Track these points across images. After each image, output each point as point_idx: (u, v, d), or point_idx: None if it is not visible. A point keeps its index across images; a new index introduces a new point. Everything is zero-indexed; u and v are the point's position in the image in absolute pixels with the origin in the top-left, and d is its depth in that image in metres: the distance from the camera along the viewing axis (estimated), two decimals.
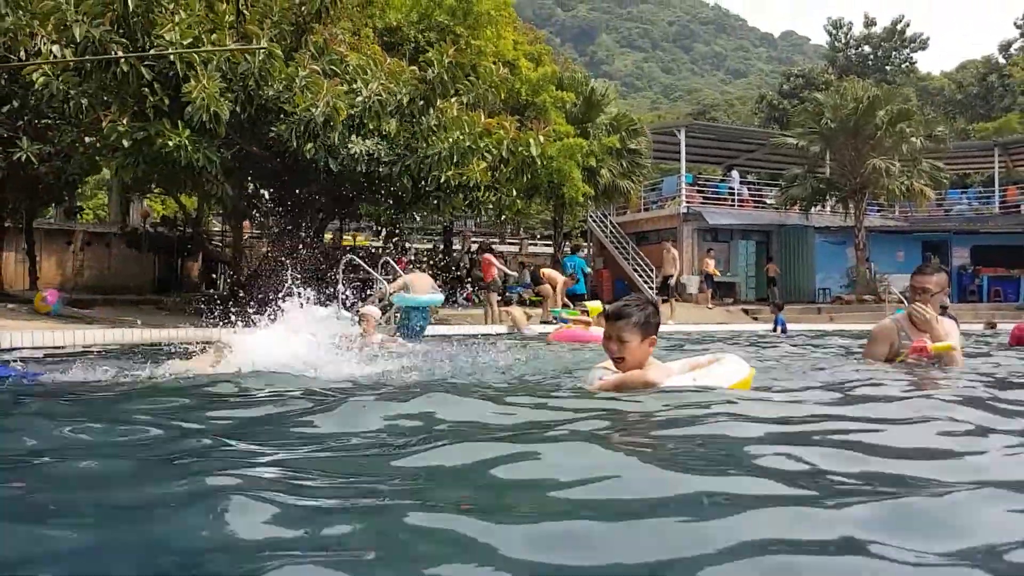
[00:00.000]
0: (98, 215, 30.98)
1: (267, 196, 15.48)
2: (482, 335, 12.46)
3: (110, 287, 19.88)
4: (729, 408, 2.88)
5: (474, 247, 24.85)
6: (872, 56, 60.28)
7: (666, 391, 3.35)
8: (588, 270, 19.53)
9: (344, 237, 28.39)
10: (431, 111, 13.63)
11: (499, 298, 16.28)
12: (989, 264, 27.30)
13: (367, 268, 11.28)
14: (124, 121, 11.10)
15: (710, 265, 22.61)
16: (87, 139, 12.87)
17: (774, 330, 14.70)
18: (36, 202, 17.75)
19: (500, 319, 14.96)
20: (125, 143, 11.10)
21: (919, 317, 4.87)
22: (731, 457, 2.08)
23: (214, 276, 24.34)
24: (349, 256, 11.59)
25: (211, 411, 3.10)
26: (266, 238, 16.57)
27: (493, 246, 18.91)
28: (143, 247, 20.40)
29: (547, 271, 15.71)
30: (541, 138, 15.13)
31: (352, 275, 12.56)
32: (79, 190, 23.15)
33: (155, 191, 20.73)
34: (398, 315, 10.70)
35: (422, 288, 10.83)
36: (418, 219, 27.22)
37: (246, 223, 21.05)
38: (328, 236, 24.61)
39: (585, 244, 30.81)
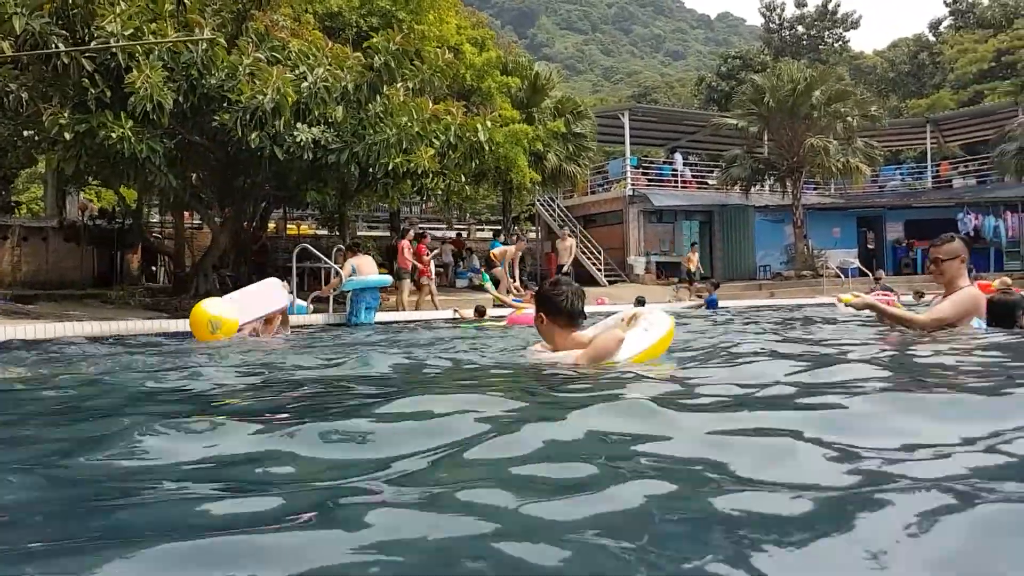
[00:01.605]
0: (31, 209, 30.09)
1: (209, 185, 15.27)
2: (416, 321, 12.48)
3: (48, 282, 19.39)
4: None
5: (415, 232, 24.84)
6: (806, 36, 61.44)
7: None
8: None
9: (288, 226, 28.14)
10: (378, 98, 13.58)
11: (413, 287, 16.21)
12: (923, 238, 28.21)
13: (321, 256, 11.27)
14: (65, 114, 10.87)
15: (693, 261, 22.71)
16: (25, 133, 12.57)
17: (704, 307, 15.19)
18: None
19: (405, 307, 15.01)
20: (67, 136, 10.89)
21: (858, 307, 5.12)
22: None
23: (154, 268, 23.91)
24: (302, 245, 11.57)
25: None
26: (210, 229, 16.35)
27: (425, 233, 18.84)
28: (82, 241, 19.92)
29: (495, 250, 15.74)
30: (488, 123, 15.21)
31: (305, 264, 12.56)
32: (12, 184, 22.49)
33: (92, 183, 20.22)
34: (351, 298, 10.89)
35: (369, 270, 11.22)
36: (364, 206, 27.11)
37: (187, 214, 20.74)
38: (271, 225, 24.37)
39: (533, 228, 31.03)
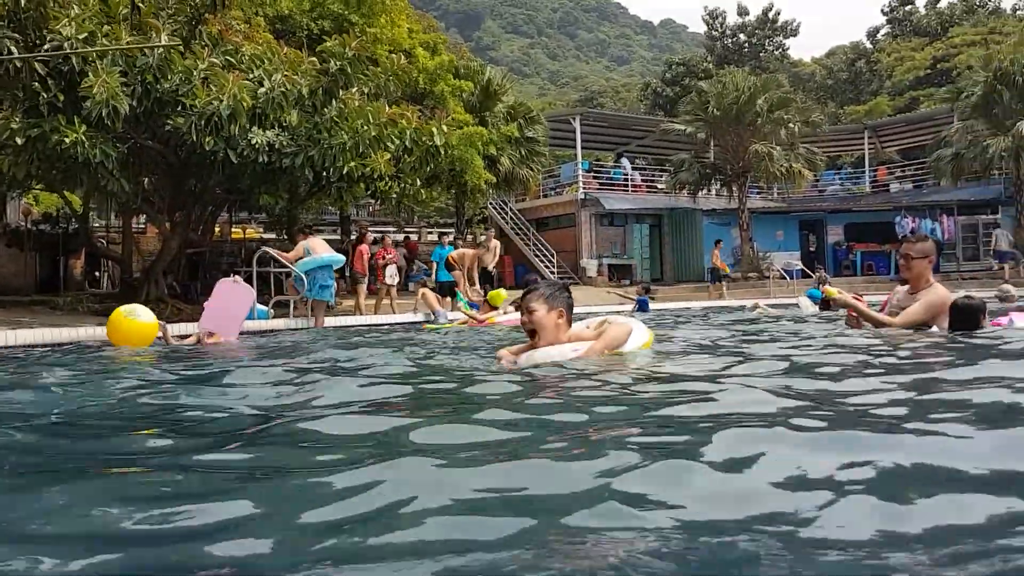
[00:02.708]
0: None
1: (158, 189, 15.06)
2: (390, 324, 12.56)
3: None
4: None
5: (371, 236, 24.80)
6: (747, 44, 62.81)
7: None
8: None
9: (233, 229, 27.74)
10: (333, 102, 13.56)
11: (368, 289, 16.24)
12: (862, 240, 29.17)
13: (282, 259, 11.25)
14: (17, 118, 10.65)
15: (718, 258, 22.33)
16: None
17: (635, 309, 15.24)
18: None
19: (363, 311, 15.06)
20: (18, 140, 10.67)
21: (840, 303, 5.43)
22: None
23: (97, 274, 23.41)
24: (263, 249, 11.53)
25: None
26: (160, 233, 16.12)
27: (385, 236, 18.83)
28: (25, 246, 19.41)
29: (453, 254, 15.78)
30: (444, 127, 15.30)
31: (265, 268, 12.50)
32: None
33: (36, 187, 19.72)
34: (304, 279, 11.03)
35: (322, 250, 11.59)
36: (314, 209, 26.89)
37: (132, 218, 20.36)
38: (216, 229, 24.03)
39: (486, 231, 31.12)
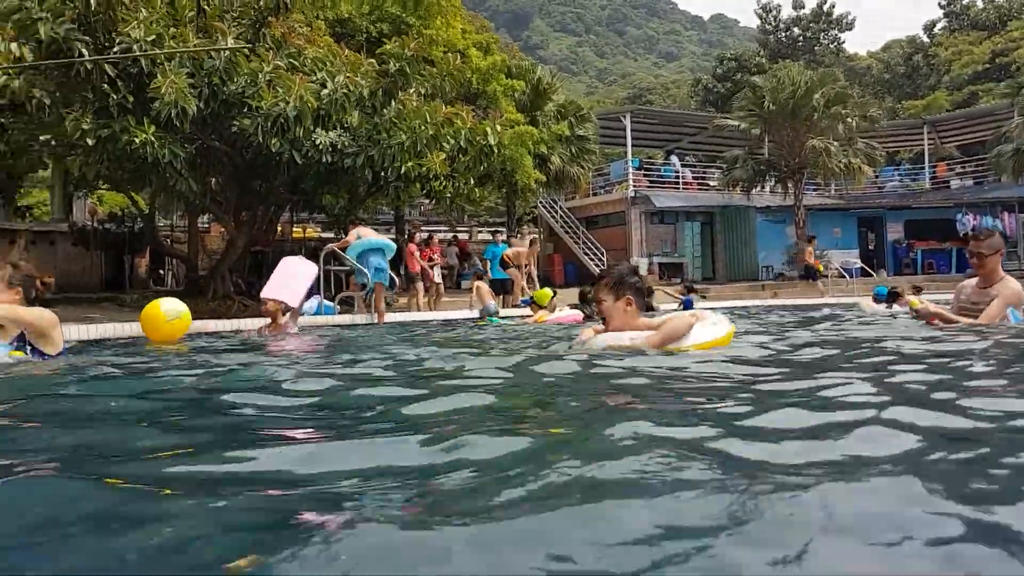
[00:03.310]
0: (32, 213, 30.11)
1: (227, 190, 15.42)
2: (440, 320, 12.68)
3: (57, 286, 19.45)
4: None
5: (421, 236, 25.02)
6: (801, 38, 61.87)
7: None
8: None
9: (294, 228, 28.25)
10: (392, 103, 13.76)
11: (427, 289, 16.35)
12: (922, 238, 28.57)
13: (346, 257, 11.45)
14: (88, 119, 11.01)
15: (812, 255, 21.44)
16: (42, 137, 12.69)
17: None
18: None
19: (419, 308, 15.18)
20: (89, 141, 11.01)
21: (924, 314, 5.34)
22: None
23: (161, 272, 24.02)
24: (328, 246, 11.75)
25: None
26: (226, 232, 16.51)
27: (432, 236, 18.99)
28: (92, 245, 20.02)
29: (507, 252, 15.85)
30: (497, 127, 15.40)
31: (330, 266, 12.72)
32: (20, 189, 22.59)
33: (102, 187, 20.34)
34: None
35: (372, 235, 11.75)
36: (369, 209, 27.22)
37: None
38: (278, 228, 24.49)
39: (537, 230, 31.20)
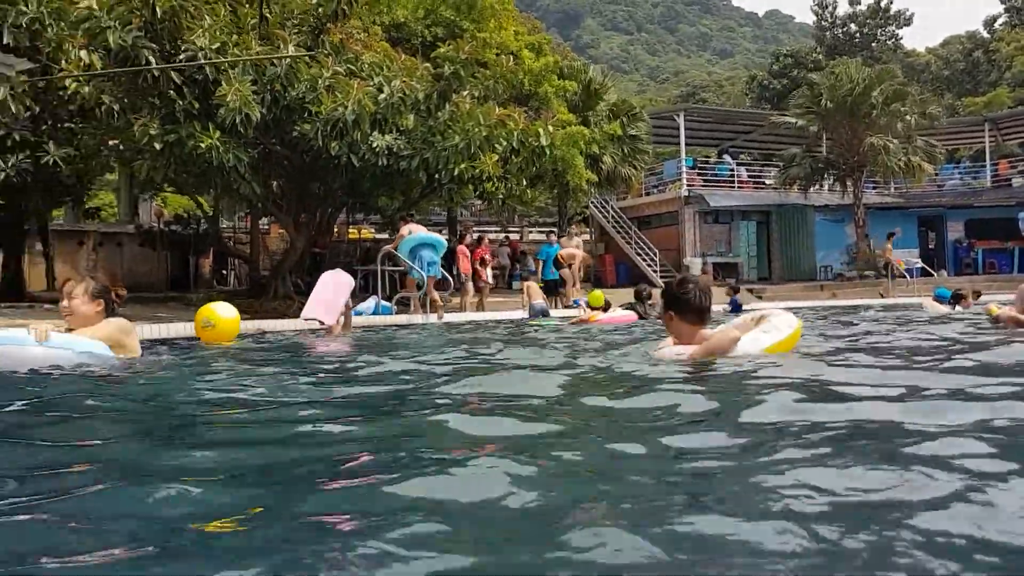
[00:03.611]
0: (100, 215, 31.11)
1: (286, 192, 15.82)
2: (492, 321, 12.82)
3: (125, 286, 20.10)
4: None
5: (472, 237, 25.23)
6: (859, 34, 60.69)
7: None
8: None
9: (349, 230, 28.76)
10: (446, 106, 13.96)
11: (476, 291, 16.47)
12: (983, 237, 27.86)
13: (400, 257, 11.68)
14: (155, 124, 11.43)
15: (891, 252, 21.21)
16: (111, 142, 13.19)
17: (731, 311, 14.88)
18: (53, 204, 17.98)
19: (468, 308, 15.31)
20: (156, 145, 11.43)
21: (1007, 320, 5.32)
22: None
23: (224, 272, 24.64)
24: (386, 248, 11.99)
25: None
26: (288, 234, 16.95)
27: (483, 236, 19.12)
28: (158, 246, 20.67)
29: (563, 251, 15.91)
30: (550, 127, 15.49)
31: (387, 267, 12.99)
32: (89, 191, 23.38)
33: (167, 190, 20.97)
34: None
35: (422, 230, 12.34)
36: (423, 210, 27.56)
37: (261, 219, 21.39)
38: (335, 229, 24.97)
39: (588, 230, 31.20)
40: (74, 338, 4.52)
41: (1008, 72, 48.36)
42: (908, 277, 22.66)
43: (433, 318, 11.62)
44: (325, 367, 4.96)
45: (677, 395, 2.82)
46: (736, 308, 14.92)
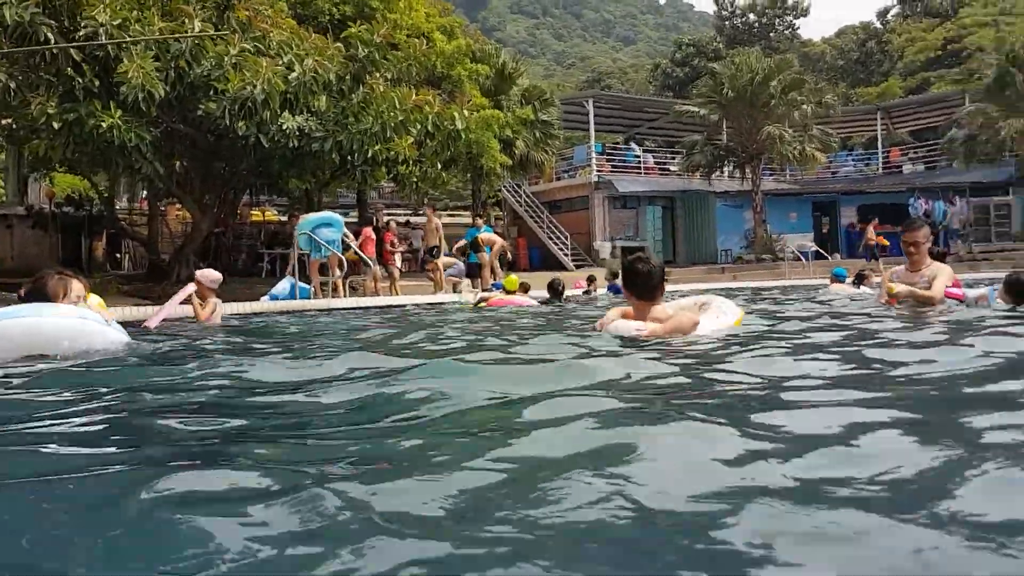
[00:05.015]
0: None
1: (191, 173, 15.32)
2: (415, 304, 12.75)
3: (14, 270, 19.11)
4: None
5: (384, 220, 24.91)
6: (757, 24, 62.57)
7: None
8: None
9: (252, 211, 28.00)
10: (360, 88, 13.75)
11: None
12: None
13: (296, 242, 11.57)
14: (53, 103, 10.87)
15: (874, 234, 21.59)
16: (3, 121, 12.50)
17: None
18: None
19: (377, 293, 15.18)
20: (55, 124, 10.89)
21: (903, 295, 5.75)
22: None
23: (118, 255, 23.67)
24: (302, 233, 11.79)
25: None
26: (191, 216, 16.39)
27: (391, 221, 18.92)
28: (50, 228, 19.69)
29: (482, 235, 15.90)
30: (465, 112, 15.47)
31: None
32: None
33: (59, 170, 19.96)
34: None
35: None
36: (331, 192, 27.09)
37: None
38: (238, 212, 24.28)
39: (501, 213, 31.31)
40: None
41: (900, 62, 50.73)
42: (803, 260, 23.65)
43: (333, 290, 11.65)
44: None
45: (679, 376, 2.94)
46: (615, 292, 15.08)
